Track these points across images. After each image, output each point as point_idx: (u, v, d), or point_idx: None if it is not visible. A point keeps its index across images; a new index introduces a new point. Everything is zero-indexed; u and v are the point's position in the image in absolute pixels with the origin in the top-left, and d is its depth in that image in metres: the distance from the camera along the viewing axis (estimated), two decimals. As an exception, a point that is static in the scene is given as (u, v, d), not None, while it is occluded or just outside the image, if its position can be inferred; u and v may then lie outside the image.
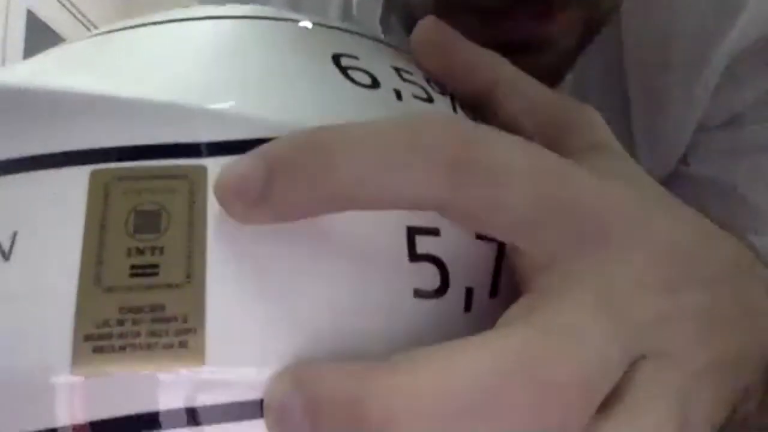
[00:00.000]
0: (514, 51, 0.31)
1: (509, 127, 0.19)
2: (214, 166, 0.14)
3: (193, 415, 0.13)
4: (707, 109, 0.41)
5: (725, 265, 0.18)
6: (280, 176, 0.13)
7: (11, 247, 0.14)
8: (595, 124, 0.20)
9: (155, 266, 0.13)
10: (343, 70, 0.18)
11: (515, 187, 0.14)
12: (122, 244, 0.13)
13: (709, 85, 0.40)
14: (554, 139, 0.19)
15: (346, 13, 0.43)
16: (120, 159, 0.14)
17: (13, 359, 0.13)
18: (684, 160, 0.44)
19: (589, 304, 0.14)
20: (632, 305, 0.15)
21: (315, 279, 0.14)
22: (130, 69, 0.16)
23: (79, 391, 0.13)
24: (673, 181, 0.45)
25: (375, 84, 0.18)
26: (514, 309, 0.15)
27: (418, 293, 0.15)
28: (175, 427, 0.13)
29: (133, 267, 0.13)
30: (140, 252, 0.13)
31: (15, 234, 0.14)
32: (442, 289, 0.15)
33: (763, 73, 0.40)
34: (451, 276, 0.15)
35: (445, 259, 0.15)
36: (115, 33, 0.19)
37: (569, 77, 0.39)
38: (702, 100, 0.41)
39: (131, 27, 0.19)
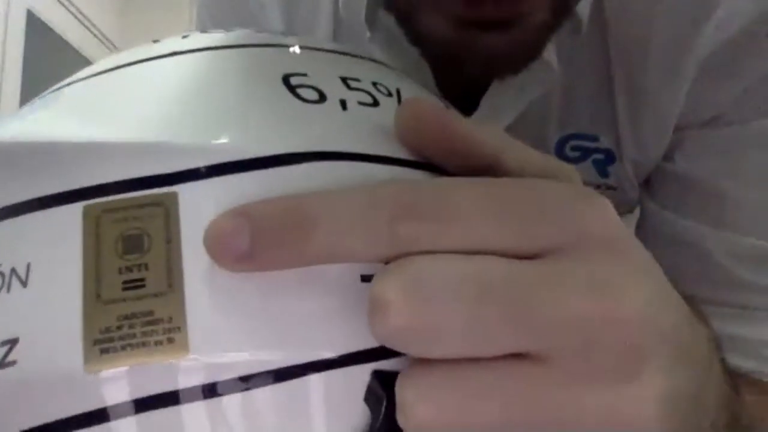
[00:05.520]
0: (490, 28, 0.33)
1: None
2: (184, 190, 0.17)
3: (174, 396, 0.16)
4: (689, 106, 0.42)
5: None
6: (265, 241, 0.16)
7: (27, 276, 0.17)
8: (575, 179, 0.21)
9: (142, 280, 0.16)
10: (292, 89, 0.20)
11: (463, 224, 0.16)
12: (114, 264, 0.16)
13: (688, 76, 0.41)
14: None
15: (335, 14, 0.44)
16: (106, 193, 0.17)
17: (39, 363, 0.16)
18: (670, 156, 0.45)
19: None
20: None
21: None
22: (109, 112, 0.20)
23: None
24: (659, 176, 0.46)
25: (322, 98, 0.20)
26: None
27: (365, 278, 0.18)
28: (168, 405, 0.16)
29: (124, 282, 0.16)
30: (129, 269, 0.16)
31: (29, 265, 0.17)
32: None
33: (741, 69, 0.40)
34: None
35: None
36: (96, 77, 0.22)
37: (560, 77, 0.41)
38: (681, 92, 0.41)
39: (106, 71, 0.22)
